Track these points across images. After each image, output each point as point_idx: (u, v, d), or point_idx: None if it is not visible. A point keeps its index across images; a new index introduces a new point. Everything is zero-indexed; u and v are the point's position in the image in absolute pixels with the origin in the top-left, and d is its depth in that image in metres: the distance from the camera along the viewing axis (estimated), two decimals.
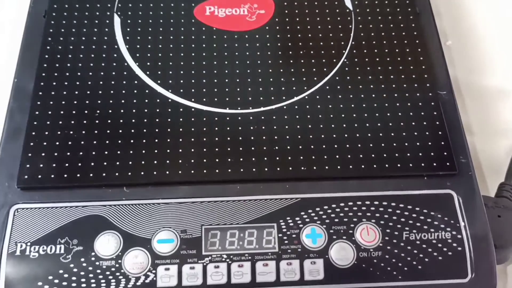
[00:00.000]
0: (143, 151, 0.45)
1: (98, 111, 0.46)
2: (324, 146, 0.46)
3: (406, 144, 0.46)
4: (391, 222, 0.43)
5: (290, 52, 0.51)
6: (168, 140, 0.45)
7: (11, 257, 0.40)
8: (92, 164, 0.44)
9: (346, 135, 0.46)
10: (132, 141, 0.45)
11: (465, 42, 0.63)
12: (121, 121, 0.46)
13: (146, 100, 0.47)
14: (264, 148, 0.45)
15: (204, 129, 0.46)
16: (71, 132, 0.45)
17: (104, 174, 0.43)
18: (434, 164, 0.45)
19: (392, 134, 0.47)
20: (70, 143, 0.45)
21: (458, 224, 0.43)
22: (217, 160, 0.45)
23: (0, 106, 0.47)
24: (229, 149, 0.45)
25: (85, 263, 0.41)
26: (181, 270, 0.41)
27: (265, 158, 0.45)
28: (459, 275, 0.42)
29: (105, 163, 0.44)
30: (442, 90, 0.49)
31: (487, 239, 0.43)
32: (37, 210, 0.42)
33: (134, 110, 0.47)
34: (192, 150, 0.45)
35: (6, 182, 0.43)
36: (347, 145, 0.46)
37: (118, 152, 0.44)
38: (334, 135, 0.46)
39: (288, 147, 0.46)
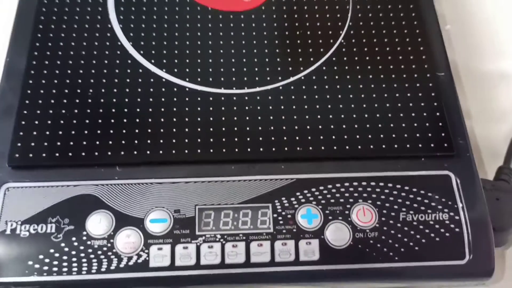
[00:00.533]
0: (136, 131, 0.44)
1: (91, 90, 0.45)
2: (320, 127, 0.45)
3: (404, 125, 0.45)
4: (388, 203, 0.43)
5: (286, 33, 0.50)
6: (162, 119, 0.45)
7: (1, 236, 0.40)
8: (84, 143, 0.43)
9: (342, 116, 0.46)
10: (125, 120, 0.44)
11: (464, 27, 0.62)
12: (114, 100, 0.45)
13: (140, 80, 0.46)
14: (260, 128, 0.45)
15: (199, 109, 0.45)
16: (63, 111, 0.44)
17: (96, 154, 0.43)
18: (432, 145, 0.45)
19: (389, 115, 0.46)
20: (62, 122, 0.44)
21: (456, 205, 0.43)
22: (211, 140, 0.44)
23: None
24: (223, 129, 0.45)
25: (77, 242, 0.40)
26: (174, 250, 0.40)
27: (260, 138, 0.44)
28: (456, 257, 0.41)
29: (97, 142, 0.43)
30: (440, 71, 0.49)
31: (485, 221, 0.42)
32: (28, 189, 0.41)
33: (127, 90, 0.46)
34: (186, 130, 0.44)
35: None
36: (344, 126, 0.45)
37: (111, 131, 0.44)
38: (330, 116, 0.46)
39: (284, 128, 0.45)
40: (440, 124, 0.46)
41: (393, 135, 0.45)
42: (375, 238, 0.41)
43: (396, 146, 0.45)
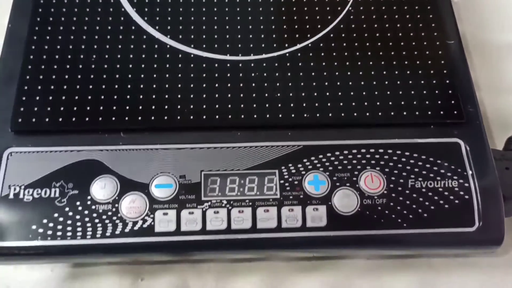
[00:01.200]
0: (141, 96, 0.43)
1: (94, 56, 0.45)
2: (327, 94, 0.44)
3: (413, 92, 0.45)
4: (396, 170, 0.42)
5: None
6: (167, 85, 0.44)
7: (4, 200, 0.39)
8: (88, 108, 0.42)
9: (350, 83, 0.45)
10: (129, 86, 0.44)
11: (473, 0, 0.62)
12: (118, 66, 0.44)
13: (144, 46, 0.46)
14: (266, 95, 0.44)
15: (204, 75, 0.45)
16: (66, 76, 0.44)
17: (100, 119, 0.42)
18: (441, 112, 0.44)
19: (398, 82, 0.45)
20: (65, 87, 0.43)
21: (465, 172, 0.42)
22: (217, 106, 0.43)
23: None
24: (229, 95, 0.44)
25: (81, 207, 0.39)
26: (180, 215, 0.40)
27: (267, 105, 0.44)
28: (466, 224, 0.41)
29: (101, 108, 0.42)
30: (450, 39, 0.48)
31: (495, 188, 0.42)
32: (31, 154, 0.41)
33: (131, 55, 0.45)
34: (191, 96, 0.44)
35: None
36: (352, 93, 0.44)
37: (115, 96, 0.43)
38: (338, 83, 0.45)
39: (291, 94, 0.44)
40: (450, 91, 0.45)
41: (402, 102, 0.44)
42: (383, 204, 0.41)
43: (405, 113, 0.44)
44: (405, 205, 0.41)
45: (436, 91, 0.45)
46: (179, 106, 0.43)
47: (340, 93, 0.44)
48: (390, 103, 0.44)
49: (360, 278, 0.45)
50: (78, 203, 0.39)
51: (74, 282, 0.44)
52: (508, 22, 0.60)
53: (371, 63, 0.46)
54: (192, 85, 0.44)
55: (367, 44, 0.47)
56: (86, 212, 0.39)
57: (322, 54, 0.46)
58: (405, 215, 0.41)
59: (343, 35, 0.47)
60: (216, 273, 0.44)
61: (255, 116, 0.43)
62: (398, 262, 0.46)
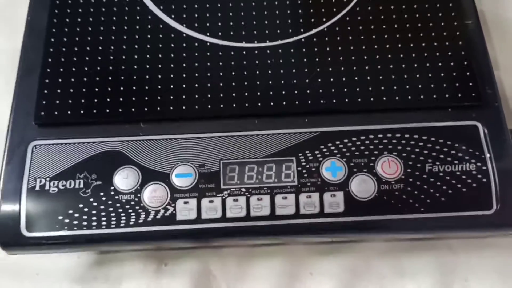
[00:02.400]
0: (159, 87, 0.44)
1: (112, 47, 0.45)
2: (344, 79, 0.44)
3: (430, 75, 0.44)
4: (414, 154, 0.42)
5: None
6: (184, 75, 0.44)
7: (31, 192, 0.41)
8: (108, 100, 0.43)
9: (367, 67, 0.45)
10: (147, 76, 0.44)
11: None
12: (136, 57, 0.45)
13: (161, 35, 0.46)
14: (282, 81, 0.44)
15: (220, 63, 0.45)
16: (86, 69, 0.44)
17: (120, 110, 0.43)
18: (459, 95, 0.44)
19: (415, 65, 0.45)
20: (85, 79, 0.44)
21: (483, 155, 0.42)
22: (234, 94, 0.44)
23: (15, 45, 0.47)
24: (246, 83, 0.44)
25: (105, 197, 0.41)
26: (200, 204, 0.41)
27: (283, 92, 0.44)
28: (483, 207, 0.41)
29: (121, 99, 0.43)
30: (468, 19, 0.47)
31: None
32: (55, 146, 0.42)
33: (148, 46, 0.45)
34: (209, 84, 0.44)
35: (23, 119, 0.43)
36: (368, 77, 0.44)
37: (134, 88, 0.44)
38: (355, 68, 0.45)
39: (307, 81, 0.44)
40: (468, 73, 0.44)
41: (419, 86, 0.44)
42: (401, 189, 0.41)
43: (422, 96, 0.44)
44: (422, 190, 0.41)
45: (454, 73, 0.44)
46: (196, 96, 0.44)
47: (356, 78, 0.44)
48: (407, 86, 0.44)
49: (378, 260, 0.46)
50: (102, 193, 0.41)
51: (100, 268, 0.45)
52: None
53: (387, 46, 0.46)
54: (209, 74, 0.44)
55: (383, 27, 0.46)
56: (110, 202, 0.40)
57: (338, 38, 0.46)
58: (422, 199, 0.41)
59: (358, 18, 0.47)
60: (237, 257, 0.46)
61: (271, 103, 0.44)
62: (417, 244, 0.46)
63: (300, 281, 0.45)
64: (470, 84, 0.44)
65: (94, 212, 0.40)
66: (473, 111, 0.44)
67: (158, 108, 0.43)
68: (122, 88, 0.44)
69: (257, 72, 0.45)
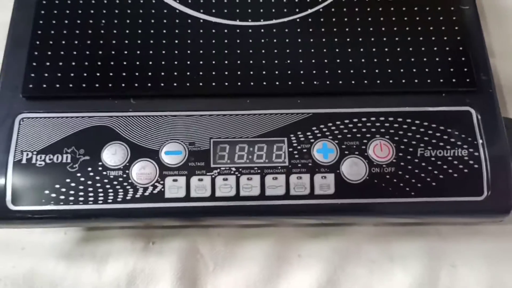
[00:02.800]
0: (150, 63, 0.43)
1: (103, 21, 0.44)
2: (338, 61, 0.44)
3: (425, 59, 0.44)
4: (406, 138, 0.42)
5: None
6: (176, 51, 0.44)
7: (17, 165, 0.40)
8: (98, 74, 0.42)
9: (361, 50, 0.44)
10: (138, 52, 0.43)
11: None
12: (127, 31, 0.44)
13: (153, 11, 0.45)
14: (276, 61, 0.44)
15: (213, 41, 0.44)
16: (76, 42, 0.43)
17: (110, 85, 0.42)
18: (453, 80, 0.43)
19: (410, 48, 0.44)
20: (75, 53, 0.43)
21: (475, 141, 0.42)
22: (226, 73, 0.43)
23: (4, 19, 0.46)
24: (239, 62, 0.44)
25: (92, 173, 0.40)
26: (189, 182, 0.40)
27: (276, 72, 0.43)
28: (474, 193, 0.41)
29: (111, 74, 0.43)
30: (465, 4, 0.47)
31: (505, 157, 0.42)
32: (42, 119, 0.41)
33: (140, 21, 0.45)
34: (201, 62, 0.43)
35: (10, 91, 0.42)
36: (362, 60, 0.44)
37: (125, 63, 0.43)
38: (349, 50, 0.44)
39: (301, 61, 0.44)
40: (463, 58, 0.44)
41: (414, 70, 0.44)
42: (392, 173, 0.41)
43: (416, 81, 0.43)
44: (413, 174, 0.41)
45: (449, 59, 0.44)
46: (188, 73, 0.43)
47: (350, 60, 0.44)
48: (401, 70, 0.44)
49: (369, 244, 0.45)
50: (89, 169, 0.40)
51: (87, 244, 0.45)
52: None
53: (383, 29, 0.45)
54: (201, 51, 0.44)
55: (380, 9, 0.46)
56: (97, 177, 0.40)
57: (333, 19, 0.46)
58: (413, 183, 0.41)
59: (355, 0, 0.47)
60: (225, 237, 0.45)
61: (264, 83, 0.43)
62: (407, 228, 0.46)
63: (288, 262, 0.45)
64: (465, 69, 0.44)
65: (81, 187, 0.40)
66: (467, 96, 0.43)
67: (149, 84, 0.42)
68: (112, 63, 0.43)
69: (251, 51, 0.44)
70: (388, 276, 0.44)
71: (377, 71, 0.44)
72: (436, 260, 0.45)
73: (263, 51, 0.44)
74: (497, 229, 0.46)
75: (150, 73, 0.43)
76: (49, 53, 0.43)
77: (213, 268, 0.44)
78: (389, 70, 0.44)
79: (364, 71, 0.43)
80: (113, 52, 0.43)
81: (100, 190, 0.40)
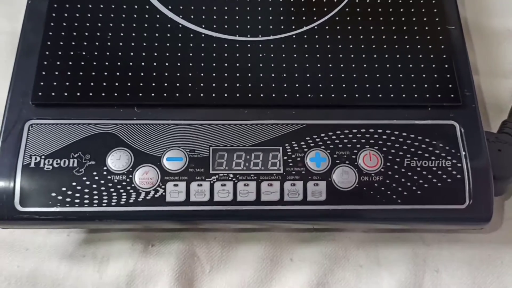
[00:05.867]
0: (154, 74, 0.46)
1: (110, 34, 0.47)
2: (331, 75, 0.47)
3: (412, 75, 0.47)
4: (394, 149, 0.44)
5: None
6: (179, 64, 0.46)
7: (26, 168, 0.42)
8: (104, 84, 0.45)
9: (353, 65, 0.47)
10: (143, 63, 0.46)
11: None
12: (133, 44, 0.47)
13: (158, 25, 0.48)
14: (272, 75, 0.46)
15: (214, 54, 0.47)
16: (84, 53, 0.46)
17: (116, 94, 0.45)
18: (439, 95, 0.46)
19: (399, 65, 0.47)
20: (82, 63, 0.45)
21: (458, 153, 0.44)
22: (225, 85, 0.46)
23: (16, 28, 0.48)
24: (237, 74, 0.46)
25: (97, 177, 0.42)
26: (189, 187, 0.42)
27: (273, 85, 0.46)
28: (457, 201, 0.43)
29: (116, 84, 0.45)
30: (451, 25, 0.50)
31: (486, 169, 0.44)
32: (50, 126, 0.44)
33: (145, 34, 0.47)
34: (202, 74, 0.46)
35: (20, 98, 0.44)
36: (354, 75, 0.47)
37: (130, 73, 0.45)
38: (342, 65, 0.47)
39: (296, 75, 0.46)
40: (448, 75, 0.47)
41: (402, 85, 0.46)
42: (380, 181, 0.43)
43: (404, 95, 0.46)
44: (400, 183, 0.43)
45: (435, 75, 0.47)
46: (190, 84, 0.45)
47: (343, 75, 0.47)
48: (390, 85, 0.46)
49: (357, 249, 0.48)
50: (94, 173, 0.42)
51: (89, 246, 0.47)
52: (508, 7, 0.62)
53: (373, 46, 0.48)
54: (202, 64, 0.46)
55: (370, 28, 0.49)
56: (102, 181, 0.42)
57: (327, 36, 0.48)
58: (400, 191, 0.43)
59: (348, 18, 0.49)
60: (222, 241, 0.48)
61: (261, 95, 0.46)
62: (393, 235, 0.49)
63: (280, 266, 0.47)
64: (450, 85, 0.47)
65: (86, 190, 0.42)
66: (451, 111, 0.46)
67: (153, 94, 0.45)
68: (118, 73, 0.45)
69: (249, 65, 0.47)
70: (375, 279, 0.47)
71: (367, 85, 0.46)
72: (421, 265, 0.47)
73: (260, 65, 0.47)
74: (477, 237, 0.48)
75: (153, 84, 0.45)
76: (58, 62, 0.45)
77: (209, 270, 0.47)
78: (379, 85, 0.46)
79: (356, 85, 0.46)
80: (118, 63, 0.46)
81: (105, 193, 0.42)
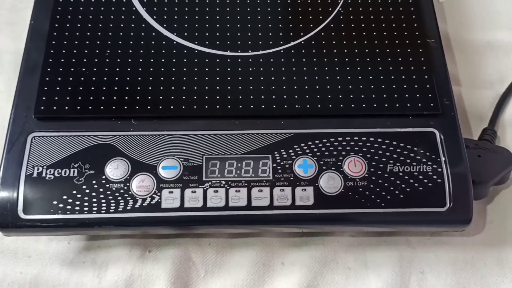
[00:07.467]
0: (150, 88, 0.48)
1: (108, 51, 0.50)
2: (317, 87, 0.49)
3: (394, 86, 0.50)
4: (377, 156, 0.47)
5: (288, 0, 0.54)
6: (173, 78, 0.49)
7: (29, 178, 0.45)
8: (103, 98, 0.48)
9: (338, 77, 0.50)
10: (139, 78, 0.49)
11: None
12: (130, 60, 0.49)
13: (153, 42, 0.51)
14: (262, 87, 0.49)
15: (206, 69, 0.50)
16: (84, 69, 0.49)
17: (114, 107, 0.47)
18: (419, 104, 0.49)
19: (381, 77, 0.50)
20: (82, 79, 0.48)
21: (439, 159, 0.47)
22: (217, 97, 0.48)
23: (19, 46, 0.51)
24: (229, 87, 0.49)
25: (96, 185, 0.45)
26: (184, 194, 0.45)
27: (262, 97, 0.49)
28: (437, 204, 0.46)
29: (114, 98, 0.48)
30: (430, 38, 0.53)
31: (465, 173, 0.47)
32: (52, 138, 0.46)
33: (141, 51, 0.50)
34: (195, 88, 0.49)
35: (24, 112, 0.47)
36: (339, 86, 0.49)
37: (127, 88, 0.48)
38: (327, 77, 0.50)
39: (284, 87, 0.49)
40: (428, 85, 0.50)
41: (384, 95, 0.49)
42: (364, 186, 0.46)
43: (386, 105, 0.49)
44: (383, 187, 0.46)
45: (415, 85, 0.50)
46: (184, 97, 0.48)
47: (328, 87, 0.49)
48: (373, 96, 0.49)
49: (345, 252, 0.50)
50: (94, 181, 0.45)
51: (88, 253, 0.49)
52: (488, 21, 0.65)
53: (357, 59, 0.51)
54: (195, 78, 0.49)
55: (354, 42, 0.52)
56: (101, 189, 0.44)
57: (314, 51, 0.51)
58: (383, 196, 0.46)
59: (333, 33, 0.52)
60: (216, 246, 0.50)
61: (251, 106, 0.48)
62: (380, 239, 0.50)
63: (272, 269, 0.49)
64: (430, 95, 0.49)
65: (86, 198, 0.44)
66: (431, 119, 0.49)
67: (148, 107, 0.48)
68: (116, 88, 0.48)
69: (239, 78, 0.49)
70: (363, 282, 0.48)
71: (351, 96, 0.49)
72: (407, 267, 0.49)
73: (250, 78, 0.49)
74: (461, 240, 0.50)
75: (149, 97, 0.48)
76: (59, 78, 0.48)
77: (204, 274, 0.49)
78: (362, 96, 0.49)
79: (340, 96, 0.49)
80: (116, 78, 0.48)
81: (103, 201, 0.44)
